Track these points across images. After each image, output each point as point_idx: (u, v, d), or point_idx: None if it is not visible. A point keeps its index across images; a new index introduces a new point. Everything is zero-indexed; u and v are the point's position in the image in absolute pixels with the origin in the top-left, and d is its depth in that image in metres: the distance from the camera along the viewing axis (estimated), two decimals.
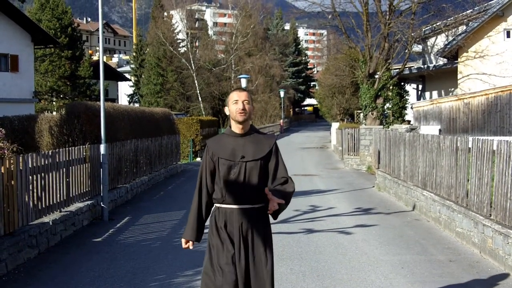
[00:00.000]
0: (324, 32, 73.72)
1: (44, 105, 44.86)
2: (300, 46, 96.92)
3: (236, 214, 4.60)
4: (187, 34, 61.44)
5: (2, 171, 8.32)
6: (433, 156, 12.38)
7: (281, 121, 63.87)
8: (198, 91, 57.09)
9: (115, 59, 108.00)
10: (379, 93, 28.30)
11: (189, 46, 59.53)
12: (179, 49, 61.77)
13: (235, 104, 4.65)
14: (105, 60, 15.96)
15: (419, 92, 33.75)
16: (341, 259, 8.98)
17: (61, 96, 46.43)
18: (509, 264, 8.10)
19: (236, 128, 4.74)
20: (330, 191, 17.45)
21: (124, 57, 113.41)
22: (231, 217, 4.61)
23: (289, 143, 43.48)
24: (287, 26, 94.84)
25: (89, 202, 12.30)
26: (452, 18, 27.28)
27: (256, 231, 4.64)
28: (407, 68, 30.60)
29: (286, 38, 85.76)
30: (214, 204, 4.76)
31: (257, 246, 4.65)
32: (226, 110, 4.79)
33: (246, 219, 4.60)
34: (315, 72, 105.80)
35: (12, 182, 8.68)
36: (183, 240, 4.82)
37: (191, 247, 4.83)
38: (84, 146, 12.52)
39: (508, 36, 25.79)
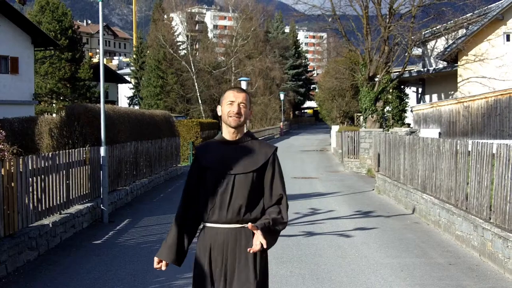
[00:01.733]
0: (324, 35, 73.73)
1: (44, 107, 44.85)
2: (300, 49, 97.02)
3: (221, 235, 3.95)
4: (187, 36, 61.51)
5: (2, 173, 8.33)
6: (433, 159, 12.39)
7: (281, 123, 63.91)
8: (198, 94, 57.13)
9: (115, 61, 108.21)
10: (379, 96, 28.28)
11: (189, 49, 59.61)
12: (179, 51, 61.88)
13: (229, 105, 4.00)
14: (105, 62, 15.97)
15: (419, 95, 33.76)
16: (341, 262, 8.99)
17: (61, 98, 46.41)
18: (508, 267, 8.11)
19: (227, 133, 4.07)
20: (330, 194, 17.45)
21: (124, 59, 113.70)
22: (215, 239, 3.96)
23: (289, 146, 43.50)
24: (287, 29, 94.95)
25: (89, 205, 12.31)
26: (452, 21, 27.28)
27: (245, 256, 3.93)
28: (407, 71, 30.60)
29: (286, 41, 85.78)
30: (202, 223, 4.13)
31: (245, 275, 3.92)
32: (219, 110, 4.12)
33: (233, 241, 3.93)
34: (315, 75, 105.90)
35: (12, 184, 8.69)
36: (155, 259, 4.10)
37: (163, 268, 4.13)
38: (84, 148, 12.53)
39: (508, 39, 25.80)
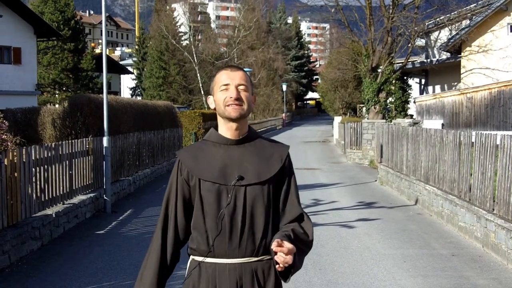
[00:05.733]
0: (327, 26, 73.64)
1: (46, 98, 44.90)
2: (302, 39, 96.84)
3: (231, 274, 2.82)
4: (189, 27, 61.34)
5: (6, 163, 8.34)
6: (436, 151, 12.38)
7: (284, 114, 63.92)
8: (200, 85, 57.05)
9: (117, 52, 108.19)
10: (382, 87, 28.24)
11: (191, 39, 59.46)
12: (182, 42, 61.78)
13: (224, 91, 2.90)
14: (107, 53, 15.94)
15: (422, 86, 33.67)
16: (343, 252, 8.99)
17: (64, 88, 46.45)
18: (511, 258, 8.10)
19: (227, 130, 2.94)
20: (332, 185, 17.45)
21: (127, 50, 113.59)
22: (221, 279, 2.82)
23: (292, 137, 43.47)
24: (289, 20, 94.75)
25: (92, 195, 12.32)
26: (455, 12, 27.21)
27: None
28: (410, 62, 30.52)
29: (289, 31, 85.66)
30: (191, 257, 2.95)
31: None
32: (210, 102, 3.01)
33: (249, 281, 2.83)
34: (317, 66, 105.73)
35: (15, 174, 8.70)
36: None
37: None
38: (87, 139, 12.54)
39: None
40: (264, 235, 2.85)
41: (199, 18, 73.87)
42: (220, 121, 2.96)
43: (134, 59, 74.15)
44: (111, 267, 8.15)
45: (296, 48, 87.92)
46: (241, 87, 2.90)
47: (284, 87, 64.47)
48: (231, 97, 2.86)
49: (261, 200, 2.86)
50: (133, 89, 72.30)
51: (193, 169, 2.91)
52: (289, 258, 2.64)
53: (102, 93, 13.27)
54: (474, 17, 26.97)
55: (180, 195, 2.93)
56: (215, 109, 2.97)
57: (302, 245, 2.86)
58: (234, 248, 2.81)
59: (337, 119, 38.21)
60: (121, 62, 77.35)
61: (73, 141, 11.66)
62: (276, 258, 2.65)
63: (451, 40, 27.13)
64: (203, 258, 2.86)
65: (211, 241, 2.83)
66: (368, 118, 27.39)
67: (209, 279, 2.82)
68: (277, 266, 2.69)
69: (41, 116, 15.70)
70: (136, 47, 73.43)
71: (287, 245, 2.65)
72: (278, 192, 2.96)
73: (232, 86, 2.88)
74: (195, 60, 56.93)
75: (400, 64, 30.04)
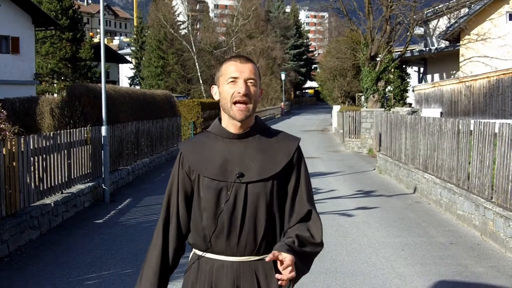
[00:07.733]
0: (326, 14, 73.44)
1: (45, 87, 44.76)
2: (301, 28, 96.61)
3: (229, 272, 2.72)
4: (188, 16, 61.15)
5: (4, 152, 8.33)
6: (435, 139, 12.38)
7: (282, 103, 63.88)
8: (199, 74, 56.95)
9: (116, 42, 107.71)
10: (381, 76, 28.18)
11: (190, 29, 59.29)
12: (180, 31, 61.59)
13: (232, 84, 2.73)
14: (106, 42, 15.99)
15: (421, 74, 33.63)
16: (342, 241, 9.01)
17: (62, 78, 46.32)
18: (509, 246, 8.12)
19: (231, 124, 2.79)
20: (331, 173, 17.45)
21: (125, 39, 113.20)
22: (219, 277, 2.73)
23: (290, 126, 43.46)
24: (288, 9, 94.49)
25: (90, 184, 12.33)
26: (454, 0, 27.16)
27: None
28: (408, 51, 30.46)
29: (287, 20, 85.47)
30: (193, 250, 2.87)
31: None
32: (215, 92, 2.86)
33: (248, 281, 2.73)
34: (316, 54, 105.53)
35: (14, 164, 8.70)
36: None
37: None
38: (85, 128, 12.54)
39: (511, 19, 25.61)
40: (266, 234, 2.73)
41: (197, 7, 73.59)
42: (224, 114, 2.80)
43: (133, 48, 74.02)
44: (110, 256, 8.17)
45: (294, 37, 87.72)
46: (250, 82, 2.73)
47: (283, 76, 64.42)
48: (239, 93, 2.69)
49: (263, 198, 2.72)
50: (132, 79, 72.20)
51: (193, 163, 2.80)
52: (286, 272, 2.53)
53: (100, 82, 13.26)
54: (472, 5, 26.89)
55: (182, 188, 2.83)
56: (219, 100, 2.80)
57: (309, 249, 2.75)
58: (232, 246, 2.71)
59: (336, 108, 38.20)
60: (119, 51, 77.18)
61: (71, 130, 11.66)
62: (276, 276, 2.57)
63: (450, 29, 27.05)
64: (201, 252, 2.78)
65: (208, 238, 2.74)
66: (366, 107, 27.37)
67: (207, 274, 2.74)
68: (279, 282, 2.57)
69: (39, 105, 15.66)
70: (135, 36, 73.35)
71: (284, 257, 2.53)
72: (285, 189, 2.82)
73: (241, 80, 2.71)
74: (194, 49, 56.79)
75: (399, 52, 29.97)
